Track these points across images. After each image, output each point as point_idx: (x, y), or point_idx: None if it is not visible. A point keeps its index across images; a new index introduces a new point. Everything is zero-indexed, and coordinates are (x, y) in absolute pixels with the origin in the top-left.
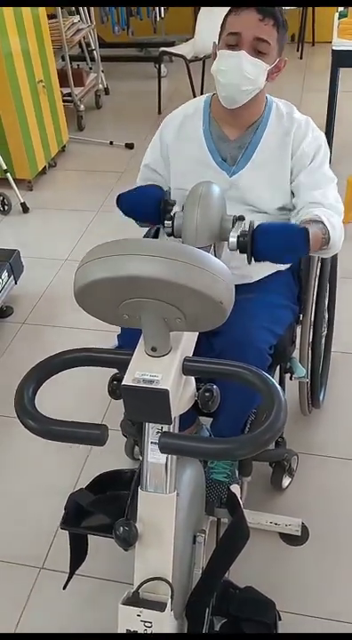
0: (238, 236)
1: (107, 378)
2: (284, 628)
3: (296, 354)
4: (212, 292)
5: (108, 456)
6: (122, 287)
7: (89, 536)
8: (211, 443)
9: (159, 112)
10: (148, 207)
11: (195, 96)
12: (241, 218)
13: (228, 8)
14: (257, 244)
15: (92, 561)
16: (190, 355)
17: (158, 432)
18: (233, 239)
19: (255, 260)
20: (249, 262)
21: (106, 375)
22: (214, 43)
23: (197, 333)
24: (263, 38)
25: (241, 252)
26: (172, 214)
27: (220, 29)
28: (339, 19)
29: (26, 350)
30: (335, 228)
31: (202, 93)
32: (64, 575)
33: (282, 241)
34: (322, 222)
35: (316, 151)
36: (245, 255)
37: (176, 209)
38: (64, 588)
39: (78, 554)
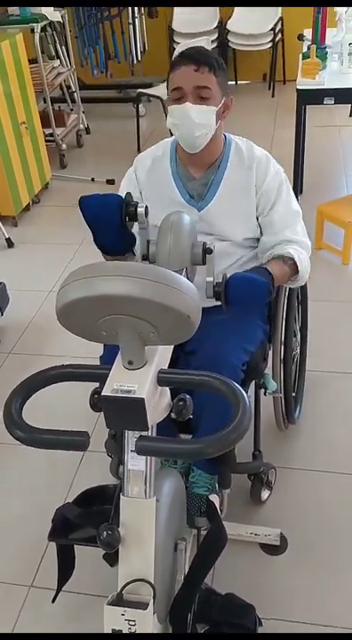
0: (214, 287)
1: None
2: (263, 632)
3: (269, 371)
4: (180, 306)
5: (94, 477)
6: (98, 305)
7: (76, 554)
8: (183, 443)
9: (138, 149)
10: (110, 207)
11: (171, 133)
12: (209, 251)
13: None
14: (229, 293)
15: (80, 578)
16: (165, 368)
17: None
18: (210, 290)
19: (229, 306)
20: (224, 308)
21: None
22: (165, 100)
23: (171, 348)
24: (202, 85)
25: (217, 299)
26: (135, 212)
27: (166, 85)
28: (302, 59)
29: (13, 379)
30: (303, 263)
31: None
32: (53, 592)
33: (249, 292)
34: (293, 259)
35: (279, 185)
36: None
37: (140, 210)
38: (53, 601)
39: (66, 567)
